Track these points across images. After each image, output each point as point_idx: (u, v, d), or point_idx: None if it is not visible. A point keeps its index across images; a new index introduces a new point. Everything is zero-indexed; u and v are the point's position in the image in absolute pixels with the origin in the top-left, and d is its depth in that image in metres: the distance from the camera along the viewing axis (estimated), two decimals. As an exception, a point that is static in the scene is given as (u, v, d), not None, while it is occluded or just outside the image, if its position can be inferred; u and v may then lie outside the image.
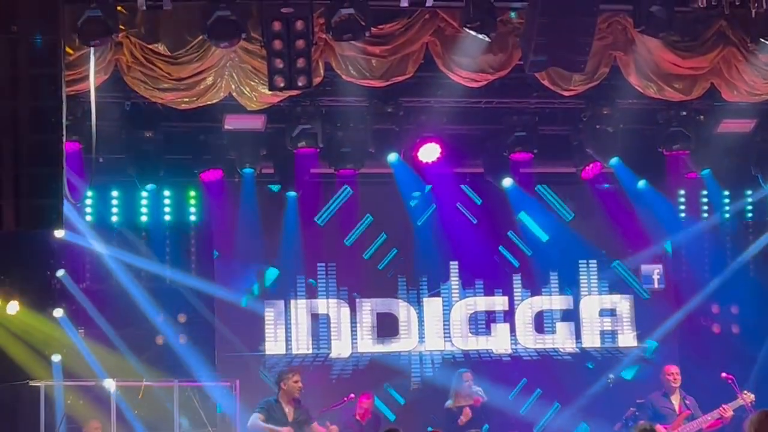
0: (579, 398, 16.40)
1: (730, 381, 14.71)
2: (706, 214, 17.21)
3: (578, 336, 17.14)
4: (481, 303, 17.06)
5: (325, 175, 15.88)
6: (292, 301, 16.63)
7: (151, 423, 15.02)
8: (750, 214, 17.19)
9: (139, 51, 12.22)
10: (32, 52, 9.39)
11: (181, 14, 12.15)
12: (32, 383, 14.25)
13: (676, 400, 14.93)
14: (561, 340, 17.14)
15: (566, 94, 13.40)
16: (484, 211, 16.95)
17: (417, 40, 12.64)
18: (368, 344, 16.79)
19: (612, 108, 14.76)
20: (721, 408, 14.58)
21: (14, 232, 9.47)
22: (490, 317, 17.06)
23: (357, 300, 16.79)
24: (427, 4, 12.32)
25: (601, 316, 17.24)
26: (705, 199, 17.15)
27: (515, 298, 17.08)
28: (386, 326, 16.84)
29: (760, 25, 12.58)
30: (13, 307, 14.83)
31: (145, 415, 15.02)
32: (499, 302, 17.08)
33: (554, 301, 17.17)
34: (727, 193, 16.85)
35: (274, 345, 16.52)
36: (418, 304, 16.93)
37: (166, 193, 16.17)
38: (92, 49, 11.69)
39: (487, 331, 17.03)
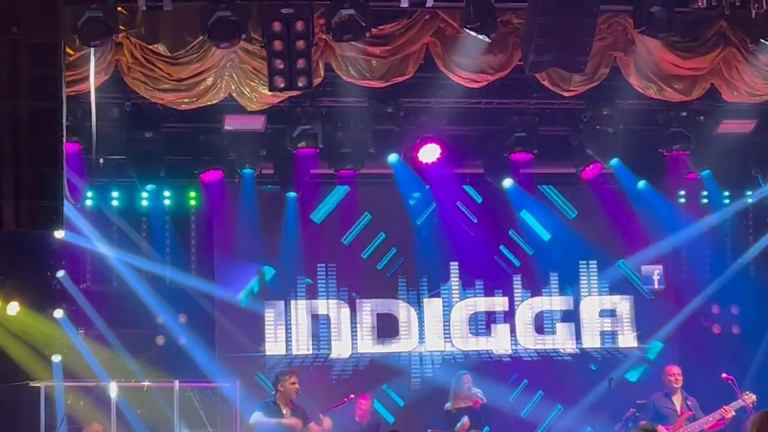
0: (580, 399, 16.39)
1: (730, 381, 14.71)
2: (706, 215, 17.19)
3: (578, 337, 17.14)
4: (481, 304, 17.06)
5: (325, 176, 15.88)
6: (292, 302, 16.63)
7: (151, 424, 15.02)
8: (750, 215, 17.17)
9: (139, 51, 12.22)
10: (32, 53, 9.38)
11: (181, 15, 12.15)
12: (32, 384, 14.24)
13: (677, 400, 14.92)
14: (561, 340, 17.14)
15: (566, 94, 13.40)
16: (485, 211, 16.95)
17: (417, 41, 12.64)
18: (368, 345, 16.79)
19: (612, 108, 14.76)
20: (722, 409, 14.56)
21: (14, 232, 9.45)
22: (491, 318, 17.07)
23: (357, 300, 16.79)
24: (428, 5, 12.32)
25: (601, 317, 17.24)
26: (705, 200, 17.14)
27: (515, 298, 17.08)
28: (386, 327, 16.84)
29: (761, 26, 12.58)
30: (14, 307, 14.83)
31: (146, 416, 15.02)
32: (499, 303, 17.08)
33: (554, 302, 17.17)
34: (727, 193, 16.84)
35: (274, 345, 16.52)
36: (418, 304, 16.93)
37: (167, 193, 16.17)
38: (92, 50, 11.69)
39: (488, 332, 17.03)
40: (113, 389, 14.07)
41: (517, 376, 16.76)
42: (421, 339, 16.89)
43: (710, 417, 14.63)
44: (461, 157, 15.89)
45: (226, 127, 14.65)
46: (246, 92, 12.75)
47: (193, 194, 16.30)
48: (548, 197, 17.10)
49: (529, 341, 17.07)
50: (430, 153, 15.28)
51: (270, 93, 12.46)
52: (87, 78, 11.76)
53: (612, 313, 17.26)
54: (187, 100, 12.78)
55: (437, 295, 16.97)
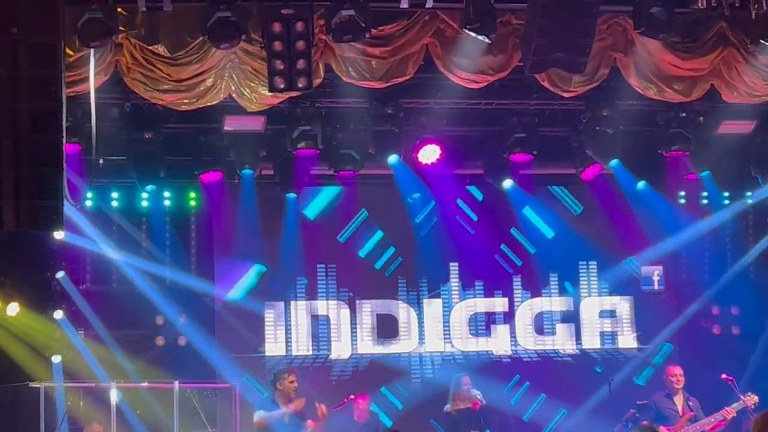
0: (579, 400, 16.37)
1: (730, 382, 14.70)
2: (706, 216, 17.19)
3: (578, 337, 17.14)
4: (481, 304, 17.06)
5: (325, 177, 15.88)
6: (292, 303, 16.63)
7: (151, 424, 15.02)
8: (750, 216, 17.16)
9: (139, 52, 12.22)
10: (32, 54, 9.38)
11: (181, 15, 12.15)
12: (32, 384, 14.25)
13: (679, 401, 14.89)
14: (561, 341, 17.14)
15: (566, 95, 13.40)
16: (484, 212, 16.96)
17: (417, 42, 12.65)
18: (368, 345, 16.79)
19: (612, 109, 14.76)
20: (723, 410, 14.55)
21: (14, 232, 9.45)
22: (490, 319, 17.07)
23: (357, 301, 16.79)
24: (427, 6, 12.33)
25: (601, 318, 17.24)
26: (705, 201, 17.14)
27: (515, 299, 17.08)
28: (386, 327, 16.84)
29: (760, 27, 12.58)
30: (14, 308, 14.83)
31: (146, 417, 15.03)
32: (499, 304, 17.08)
33: (554, 303, 17.17)
34: (727, 194, 16.83)
35: (274, 346, 16.52)
36: (418, 305, 16.93)
37: (166, 194, 16.17)
38: (92, 51, 11.70)
39: (487, 333, 17.03)
40: (113, 390, 14.07)
41: (518, 377, 16.75)
42: (421, 340, 16.89)
43: (711, 418, 14.61)
44: (461, 157, 15.90)
45: (225, 128, 14.66)
46: (246, 93, 12.75)
47: (193, 195, 16.31)
48: (554, 195, 17.05)
49: (529, 342, 17.07)
50: (429, 154, 15.28)
51: (270, 94, 12.46)
52: (87, 79, 11.76)
53: (612, 314, 17.26)
54: (186, 100, 12.78)
55: (437, 296, 16.97)
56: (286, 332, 16.59)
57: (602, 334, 17.22)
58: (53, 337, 15.29)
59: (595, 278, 17.23)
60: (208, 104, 12.94)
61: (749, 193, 16.58)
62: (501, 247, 17.01)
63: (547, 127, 15.44)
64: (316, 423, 13.91)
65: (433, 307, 16.96)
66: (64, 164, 9.53)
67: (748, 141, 15.51)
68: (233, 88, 12.71)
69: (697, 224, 17.07)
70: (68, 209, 11.82)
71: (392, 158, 15.31)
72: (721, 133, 15.15)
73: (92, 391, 14.96)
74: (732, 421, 14.63)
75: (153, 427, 15.02)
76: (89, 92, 11.70)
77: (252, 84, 12.64)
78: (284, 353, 16.52)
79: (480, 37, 12.25)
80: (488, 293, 17.05)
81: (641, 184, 16.31)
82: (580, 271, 17.22)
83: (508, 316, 17.06)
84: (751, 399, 14.49)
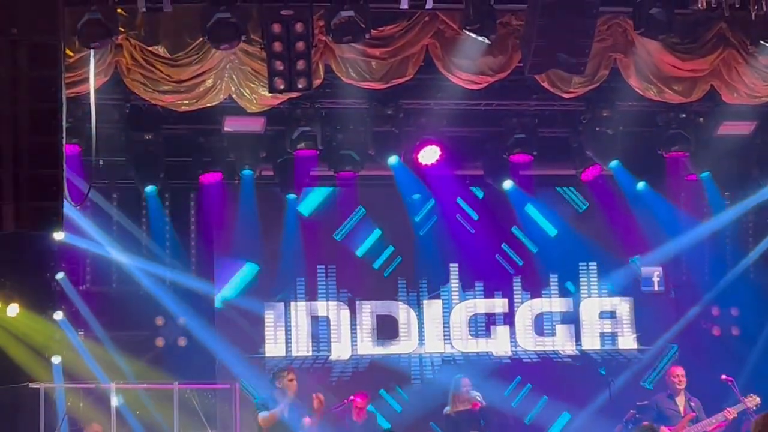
0: (579, 401, 16.36)
1: (730, 383, 14.70)
2: (705, 217, 17.19)
3: (578, 338, 17.13)
4: (481, 305, 17.06)
5: (325, 177, 15.88)
6: (292, 303, 16.63)
7: (151, 425, 15.03)
8: (750, 217, 17.16)
9: (139, 53, 12.23)
10: (32, 54, 9.38)
11: (181, 16, 12.15)
12: (32, 385, 14.25)
13: (681, 402, 14.86)
14: (561, 342, 17.13)
15: (566, 96, 13.41)
16: (484, 213, 16.96)
17: (417, 43, 12.65)
18: (368, 346, 16.79)
19: (612, 110, 14.76)
20: (725, 411, 14.55)
21: (14, 233, 9.45)
22: (490, 319, 17.06)
23: (357, 302, 16.79)
24: (427, 7, 12.33)
25: (601, 319, 17.23)
26: (705, 202, 17.12)
27: (515, 300, 17.07)
28: (386, 328, 16.83)
29: (760, 27, 12.58)
30: (13, 309, 14.83)
31: (146, 418, 15.03)
32: (499, 304, 17.08)
33: (554, 304, 17.17)
34: (727, 195, 16.83)
35: (273, 347, 16.52)
36: (418, 306, 16.93)
37: (166, 195, 16.16)
38: (92, 51, 11.69)
39: (487, 334, 17.03)
40: (113, 391, 14.07)
41: (518, 379, 16.74)
42: (421, 341, 16.89)
43: (713, 419, 14.60)
44: (461, 158, 15.90)
45: (225, 129, 14.66)
46: (246, 94, 12.75)
47: (192, 195, 16.30)
48: (555, 194, 17.03)
49: (529, 343, 17.06)
50: (429, 154, 15.29)
51: (270, 94, 12.47)
52: (87, 79, 11.75)
53: (612, 315, 17.26)
54: (186, 101, 12.79)
55: (437, 297, 16.96)
56: (286, 333, 16.59)
57: (602, 335, 17.21)
58: (53, 338, 15.29)
59: (595, 279, 17.23)
60: (208, 105, 12.94)
61: (749, 194, 16.57)
62: (502, 246, 17.01)
63: (547, 127, 15.45)
64: (312, 419, 13.93)
65: (433, 308, 16.96)
66: (64, 165, 9.54)
67: (748, 142, 15.51)
68: (233, 89, 12.71)
69: (697, 225, 17.07)
70: (68, 210, 11.80)
71: (392, 159, 15.31)
72: (721, 134, 15.15)
73: (92, 392, 14.96)
74: (732, 421, 14.63)
75: (153, 428, 15.02)
76: (89, 93, 11.68)
77: (252, 85, 12.65)
78: (284, 354, 16.52)
79: (480, 38, 12.25)
80: (488, 294, 17.04)
81: (641, 185, 16.31)
82: (580, 272, 17.21)
83: (508, 317, 17.06)
84: (753, 400, 14.47)
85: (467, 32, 12.25)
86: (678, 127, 14.98)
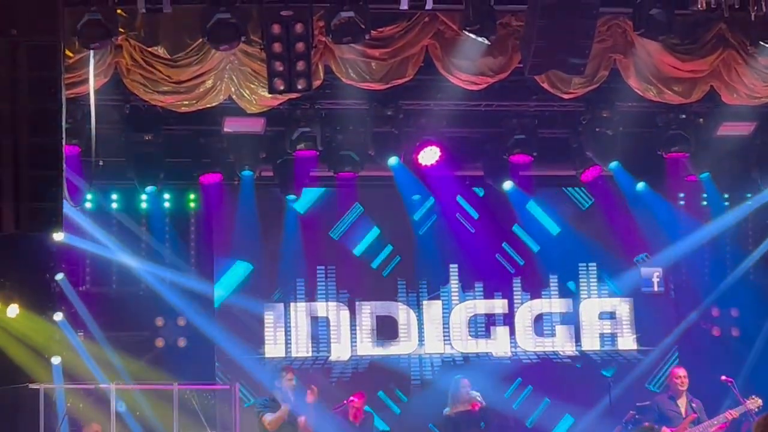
0: (579, 402, 16.36)
1: (729, 384, 14.70)
2: (705, 217, 17.18)
3: (578, 339, 17.13)
4: (481, 306, 17.06)
5: (325, 179, 15.87)
6: (292, 304, 16.63)
7: (151, 426, 15.03)
8: (750, 218, 17.15)
9: (138, 54, 12.22)
10: (32, 55, 9.38)
11: (180, 17, 12.15)
12: (32, 386, 14.25)
13: (682, 403, 14.81)
14: (561, 343, 17.13)
15: (566, 97, 13.40)
16: (484, 214, 16.95)
17: (417, 43, 12.65)
18: (368, 347, 16.79)
19: (611, 111, 14.76)
20: (727, 412, 14.54)
21: (14, 234, 9.45)
22: (490, 320, 17.06)
23: (356, 303, 16.78)
24: (427, 7, 12.32)
25: (600, 319, 17.23)
26: (705, 202, 17.13)
27: (515, 301, 17.07)
28: (386, 329, 16.83)
29: (760, 28, 12.58)
30: (13, 310, 14.83)
31: (145, 419, 15.03)
32: (498, 305, 17.08)
33: (554, 304, 17.17)
34: (726, 196, 16.83)
35: (273, 348, 16.52)
36: (417, 307, 16.92)
37: (166, 196, 16.17)
38: (92, 52, 11.69)
39: (487, 334, 17.02)
40: (113, 391, 14.07)
41: (519, 380, 16.72)
42: (421, 341, 16.89)
43: (715, 420, 14.59)
44: (461, 159, 15.90)
45: (225, 130, 14.66)
46: (245, 94, 12.75)
47: (192, 196, 16.30)
48: (555, 194, 17.03)
49: (529, 344, 17.06)
50: (429, 155, 15.28)
51: (269, 95, 12.46)
52: (86, 80, 11.75)
53: (612, 316, 17.26)
54: (186, 102, 12.78)
55: (437, 298, 16.96)
56: (286, 334, 16.59)
57: (602, 335, 17.21)
58: (53, 339, 15.30)
59: (595, 280, 17.22)
60: (208, 106, 12.94)
61: (749, 195, 16.58)
62: (502, 245, 17.01)
63: (547, 128, 15.44)
64: (304, 417, 13.98)
65: (432, 308, 16.95)
66: (64, 166, 9.54)
67: (748, 142, 15.50)
68: (233, 89, 12.71)
69: (696, 226, 17.06)
70: (68, 211, 11.82)
71: (392, 160, 15.30)
72: (720, 134, 15.15)
73: (92, 393, 14.96)
74: (732, 422, 14.62)
75: (152, 429, 15.02)
76: (89, 94, 11.69)
77: (252, 85, 12.64)
78: (284, 355, 16.52)
79: (480, 39, 12.24)
80: (488, 295, 17.04)
81: (641, 186, 16.30)
82: (580, 272, 17.21)
83: (508, 318, 17.06)
84: (755, 402, 14.44)
85: (467, 33, 12.24)
86: (678, 128, 14.98)
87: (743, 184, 16.19)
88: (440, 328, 16.91)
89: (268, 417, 14.03)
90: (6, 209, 9.22)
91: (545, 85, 13.14)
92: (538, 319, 17.11)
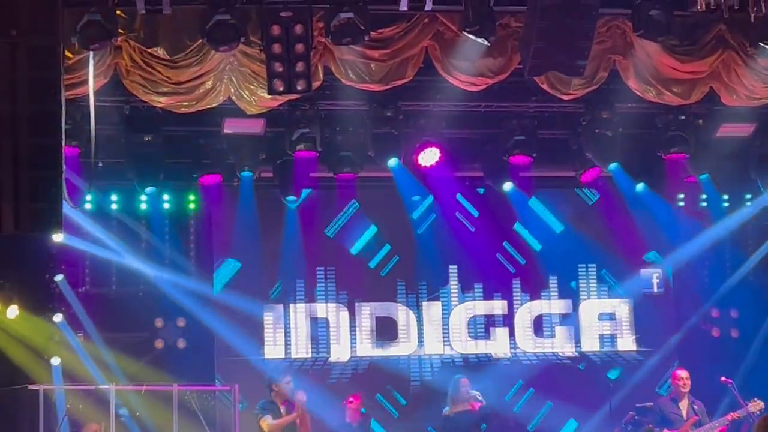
0: (579, 402, 16.36)
1: (729, 385, 14.69)
2: (705, 218, 17.19)
3: (577, 340, 17.13)
4: (481, 307, 17.06)
5: (325, 179, 15.87)
6: (291, 305, 16.63)
7: (151, 427, 15.02)
8: (749, 218, 17.15)
9: (138, 55, 12.22)
10: (32, 56, 9.39)
11: (180, 18, 12.15)
12: (31, 387, 14.24)
13: (684, 405, 14.79)
14: (560, 344, 17.13)
15: (565, 98, 13.40)
16: (484, 215, 16.96)
17: (416, 44, 12.65)
18: (367, 348, 16.79)
19: (611, 112, 14.75)
20: (729, 415, 14.54)
21: (13, 235, 9.45)
22: (490, 321, 17.06)
23: (356, 304, 16.78)
24: (426, 8, 12.32)
25: (600, 320, 17.23)
26: (704, 203, 17.13)
27: (515, 302, 17.08)
28: (385, 330, 16.83)
29: (760, 29, 12.58)
30: (13, 311, 14.83)
31: (145, 420, 15.03)
32: (498, 306, 17.08)
33: (553, 305, 17.17)
34: (726, 197, 16.84)
35: (273, 349, 16.52)
36: (417, 308, 16.93)
37: (166, 197, 16.16)
38: (91, 53, 11.69)
39: (487, 335, 17.03)
40: (112, 393, 14.07)
41: (519, 382, 16.72)
42: (420, 342, 16.89)
43: (716, 422, 14.58)
44: (461, 160, 15.90)
45: (225, 131, 14.65)
46: (245, 95, 12.75)
47: (192, 197, 16.30)
48: (562, 194, 17.03)
49: (529, 345, 17.06)
50: (429, 156, 15.28)
51: (269, 96, 12.46)
52: (86, 81, 11.74)
53: (611, 317, 17.26)
54: (186, 103, 12.78)
55: (436, 299, 16.96)
56: (286, 335, 16.59)
57: (601, 336, 17.21)
58: (53, 340, 15.30)
59: (595, 280, 17.23)
60: (208, 107, 12.94)
61: (749, 196, 16.59)
62: (503, 244, 17.01)
63: (547, 129, 15.44)
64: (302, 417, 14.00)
65: (432, 309, 16.96)
66: (64, 166, 9.54)
67: (748, 144, 15.50)
68: (232, 90, 12.71)
69: (696, 227, 17.07)
70: (68, 211, 11.81)
71: (392, 161, 15.30)
72: (720, 135, 15.15)
73: (92, 394, 14.95)
74: (732, 423, 14.62)
75: (152, 430, 15.01)
76: (88, 95, 11.68)
77: (251, 86, 12.64)
78: (284, 356, 16.52)
79: (479, 40, 12.24)
80: (487, 296, 17.05)
81: (640, 187, 16.30)
82: (580, 273, 17.21)
83: (508, 319, 17.06)
84: (757, 405, 14.43)
85: (466, 34, 12.24)
86: (677, 129, 14.98)
87: (743, 185, 16.20)
88: (440, 329, 16.91)
89: (269, 420, 14.01)
90: (6, 210, 9.22)
91: (545, 86, 13.14)
92: (538, 320, 17.11)
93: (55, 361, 15.16)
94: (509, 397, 16.66)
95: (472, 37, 12.23)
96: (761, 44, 12.65)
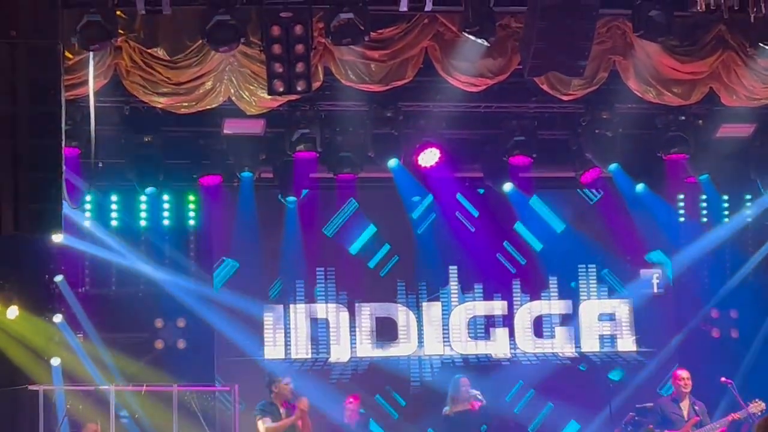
0: (579, 403, 16.35)
1: (729, 385, 14.69)
2: (705, 219, 17.20)
3: (577, 340, 17.13)
4: (481, 307, 17.06)
5: (325, 180, 15.87)
6: (291, 306, 16.63)
7: (150, 428, 15.02)
8: (749, 219, 17.15)
9: (138, 55, 12.22)
10: (32, 57, 9.40)
11: (180, 19, 12.14)
12: (31, 387, 14.24)
13: (685, 405, 14.77)
14: (560, 344, 17.13)
15: (565, 98, 13.40)
16: (484, 215, 16.95)
17: (416, 45, 12.64)
18: (367, 349, 16.78)
19: (611, 112, 14.75)
20: (730, 416, 14.53)
21: (13, 236, 9.46)
22: (490, 322, 17.05)
23: (356, 304, 16.78)
24: (426, 9, 12.31)
25: (600, 321, 17.23)
26: (704, 204, 17.14)
27: (514, 302, 17.07)
28: (385, 331, 16.83)
29: (759, 30, 12.57)
30: (13, 311, 14.83)
31: (145, 421, 15.03)
32: (498, 307, 17.08)
33: (553, 306, 17.17)
34: (726, 197, 16.84)
35: (273, 350, 16.51)
36: (417, 308, 16.92)
37: (165, 197, 16.16)
38: (91, 54, 11.68)
39: (487, 336, 17.02)
40: (112, 393, 14.07)
41: (520, 382, 16.71)
42: (420, 343, 16.88)
43: (717, 424, 14.58)
44: (461, 160, 15.89)
45: (225, 131, 14.66)
46: (245, 96, 12.75)
47: (192, 198, 16.30)
48: (562, 194, 17.04)
49: (528, 345, 17.06)
50: (429, 157, 15.27)
51: (269, 97, 12.45)
52: (86, 82, 11.74)
53: (611, 317, 17.26)
54: (186, 103, 12.78)
55: (436, 299, 16.96)
56: (285, 335, 16.59)
57: (601, 337, 17.21)
58: (52, 340, 15.29)
59: (594, 281, 17.22)
60: (208, 107, 12.93)
61: (749, 197, 16.59)
62: (504, 244, 17.01)
63: (547, 130, 15.43)
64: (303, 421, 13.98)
65: (432, 310, 16.95)
66: (64, 167, 9.55)
67: (747, 144, 15.50)
68: (232, 91, 12.71)
69: (696, 228, 17.07)
70: (68, 212, 11.81)
71: (392, 162, 15.30)
72: (720, 136, 15.15)
73: (92, 394, 14.95)
74: (733, 423, 14.62)
75: (152, 431, 15.01)
76: (88, 95, 11.69)
77: (251, 87, 12.64)
78: (283, 356, 16.52)
79: (479, 41, 12.24)
80: (487, 296, 17.04)
81: (640, 187, 16.29)
82: (579, 274, 17.21)
83: (507, 320, 17.06)
84: (758, 406, 14.41)
85: (466, 34, 12.24)
86: (677, 130, 14.98)
87: (742, 185, 16.19)
88: (440, 330, 16.91)
89: (267, 422, 13.97)
90: (6, 210, 9.23)
91: (545, 87, 13.13)
92: (538, 321, 17.11)
93: (55, 361, 15.15)
94: (509, 397, 16.66)
95: (472, 37, 12.22)
96: (761, 45, 12.64)
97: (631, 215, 16.68)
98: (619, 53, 13.00)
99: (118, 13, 11.88)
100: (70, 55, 11.72)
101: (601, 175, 15.86)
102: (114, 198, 16.06)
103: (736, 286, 17.05)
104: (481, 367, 16.71)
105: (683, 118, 14.94)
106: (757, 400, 14.50)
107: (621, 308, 17.26)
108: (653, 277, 17.26)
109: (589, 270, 17.23)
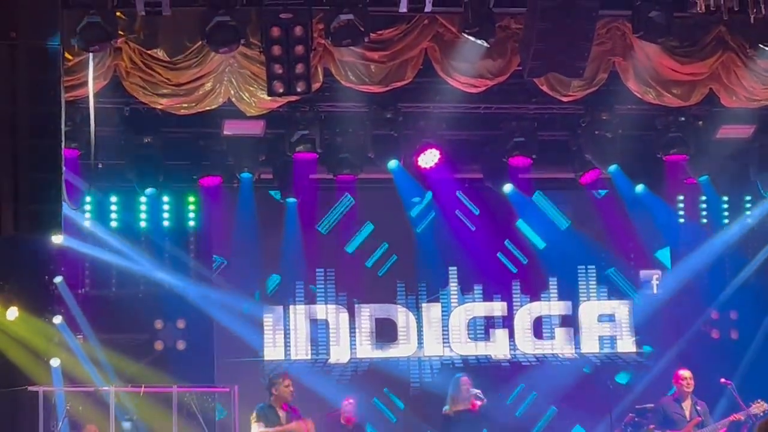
0: (579, 404, 16.36)
1: (729, 386, 14.69)
2: (705, 220, 17.21)
3: (577, 341, 17.13)
4: (480, 309, 17.07)
5: (324, 181, 15.88)
6: (291, 307, 16.64)
7: (150, 429, 15.02)
8: (749, 220, 17.15)
9: (138, 56, 12.22)
10: (31, 58, 9.39)
11: (180, 20, 12.14)
12: (31, 388, 14.25)
13: (687, 406, 14.76)
14: (560, 345, 17.13)
15: (565, 99, 13.40)
16: (483, 216, 16.95)
17: (416, 46, 12.64)
18: (367, 350, 16.79)
19: (611, 113, 14.76)
20: (732, 416, 14.53)
21: (13, 236, 9.46)
22: (489, 323, 17.06)
23: (356, 305, 16.78)
24: (426, 10, 12.31)
25: (600, 322, 17.24)
26: (704, 205, 17.14)
27: (514, 303, 17.08)
28: (385, 332, 16.84)
29: (759, 31, 12.57)
30: (13, 313, 14.83)
31: (145, 421, 15.03)
32: (497, 308, 17.09)
33: (553, 307, 17.17)
34: (725, 198, 16.85)
35: (272, 350, 16.52)
36: (417, 309, 16.93)
37: (165, 198, 16.17)
38: (91, 55, 11.68)
39: (486, 337, 17.03)
40: (112, 394, 14.07)
41: (522, 386, 16.71)
42: (420, 344, 16.89)
43: (719, 424, 14.57)
44: (460, 161, 15.90)
45: (225, 132, 14.66)
46: (245, 97, 12.75)
47: (192, 199, 16.30)
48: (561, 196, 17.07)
49: (528, 346, 17.06)
50: (429, 158, 15.27)
51: (269, 98, 12.45)
52: (86, 83, 11.73)
53: (611, 318, 17.26)
54: (186, 105, 12.77)
55: (436, 300, 16.97)
56: (285, 336, 16.59)
57: (601, 338, 17.21)
58: (52, 341, 15.29)
59: (594, 282, 17.23)
60: (208, 108, 12.93)
61: (748, 198, 16.59)
62: (504, 243, 17.00)
63: (546, 131, 15.44)
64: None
65: (432, 311, 16.96)
66: (63, 168, 9.55)
67: (747, 145, 15.50)
68: (232, 92, 12.71)
69: (695, 229, 17.08)
70: (67, 213, 11.82)
71: (392, 163, 15.31)
72: (720, 137, 15.15)
73: (91, 395, 14.96)
74: (733, 424, 14.62)
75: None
76: (88, 96, 11.68)
77: (251, 88, 12.64)
78: (283, 357, 16.52)
79: (479, 42, 12.24)
80: (487, 297, 17.05)
81: (640, 188, 16.30)
82: (579, 275, 17.21)
83: (507, 321, 17.07)
84: (761, 407, 14.40)
85: (466, 35, 12.24)
86: (677, 131, 14.99)
87: (742, 186, 16.21)
88: (439, 331, 16.92)
89: (261, 427, 13.86)
90: (5, 211, 9.23)
91: (544, 88, 13.13)
92: (538, 322, 17.11)
93: (55, 362, 15.16)
94: (511, 400, 16.65)
95: (471, 38, 12.22)
96: (761, 46, 12.65)
97: (630, 216, 16.68)
98: (619, 54, 13.00)
99: (118, 14, 11.89)
100: (70, 57, 11.73)
101: (600, 176, 15.87)
102: (114, 199, 16.07)
103: (736, 288, 17.05)
104: (480, 368, 16.71)
105: (683, 119, 14.95)
106: (759, 400, 14.49)
107: (621, 309, 17.27)
108: (653, 279, 17.26)
109: (589, 271, 17.23)
